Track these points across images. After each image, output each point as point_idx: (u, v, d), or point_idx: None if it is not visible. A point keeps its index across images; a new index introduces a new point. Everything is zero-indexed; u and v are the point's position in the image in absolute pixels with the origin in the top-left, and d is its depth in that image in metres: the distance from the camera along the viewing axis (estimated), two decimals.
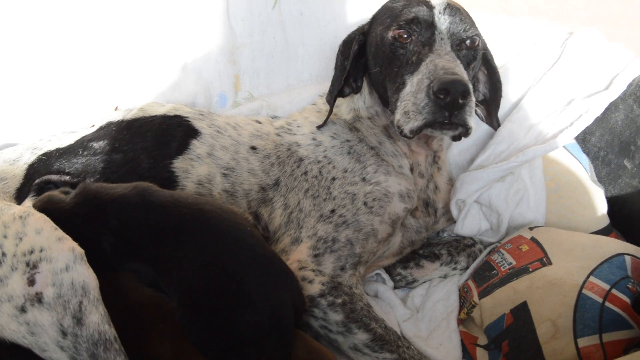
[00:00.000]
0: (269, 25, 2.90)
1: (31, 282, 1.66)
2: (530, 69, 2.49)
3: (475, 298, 2.16)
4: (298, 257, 2.08)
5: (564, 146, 2.38)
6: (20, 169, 2.24)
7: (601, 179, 2.42)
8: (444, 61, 2.00)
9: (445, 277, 2.44)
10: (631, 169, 2.31)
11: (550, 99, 2.39)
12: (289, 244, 2.14)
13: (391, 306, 2.30)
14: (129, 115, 2.38)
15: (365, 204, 2.15)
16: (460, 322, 2.21)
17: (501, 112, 2.46)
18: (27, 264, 1.67)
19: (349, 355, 2.01)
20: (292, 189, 2.24)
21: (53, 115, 2.61)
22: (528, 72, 2.49)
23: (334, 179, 2.21)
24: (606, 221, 2.32)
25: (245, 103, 2.88)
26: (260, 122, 2.46)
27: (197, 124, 2.33)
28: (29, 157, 2.28)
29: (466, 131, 2.03)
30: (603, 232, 2.29)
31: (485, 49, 2.33)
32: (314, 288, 1.99)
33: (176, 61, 2.81)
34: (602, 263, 1.98)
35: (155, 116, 2.35)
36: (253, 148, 2.31)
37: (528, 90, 2.46)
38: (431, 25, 2.11)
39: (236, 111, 2.75)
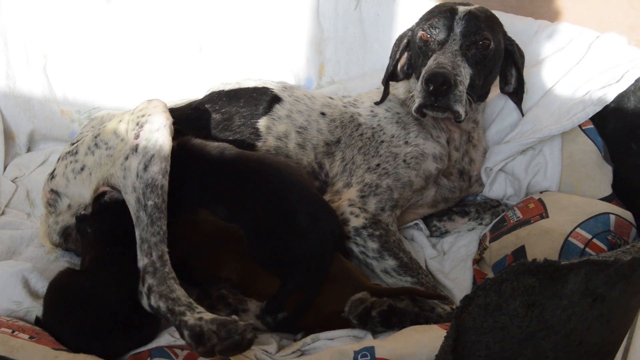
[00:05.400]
0: (350, 24, 3.47)
1: (136, 136, 2.21)
2: (561, 64, 2.89)
3: (487, 242, 2.63)
4: (348, 196, 2.58)
5: (583, 130, 2.75)
6: None
7: (613, 158, 2.74)
8: (443, 57, 2.46)
9: (472, 229, 2.87)
10: (636, 150, 2.65)
11: (572, 90, 2.81)
12: (342, 187, 2.66)
13: (422, 247, 2.78)
14: (227, 87, 2.94)
15: (404, 160, 2.63)
16: (475, 262, 2.65)
17: (533, 100, 2.91)
18: (137, 124, 2.25)
19: (380, 276, 2.50)
20: (349, 146, 2.75)
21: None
22: (559, 67, 2.89)
23: (382, 141, 2.71)
24: (609, 191, 2.64)
25: (327, 86, 3.45)
26: (332, 98, 2.97)
27: (280, 94, 2.86)
28: None
29: (454, 114, 2.47)
30: (605, 200, 2.61)
31: (513, 51, 2.74)
32: (358, 221, 2.50)
33: (273, 50, 3.44)
34: (589, 218, 2.37)
35: (248, 87, 2.91)
36: (322, 114, 2.83)
37: (557, 82, 2.86)
38: (449, 28, 2.55)
39: (318, 92, 3.27)
